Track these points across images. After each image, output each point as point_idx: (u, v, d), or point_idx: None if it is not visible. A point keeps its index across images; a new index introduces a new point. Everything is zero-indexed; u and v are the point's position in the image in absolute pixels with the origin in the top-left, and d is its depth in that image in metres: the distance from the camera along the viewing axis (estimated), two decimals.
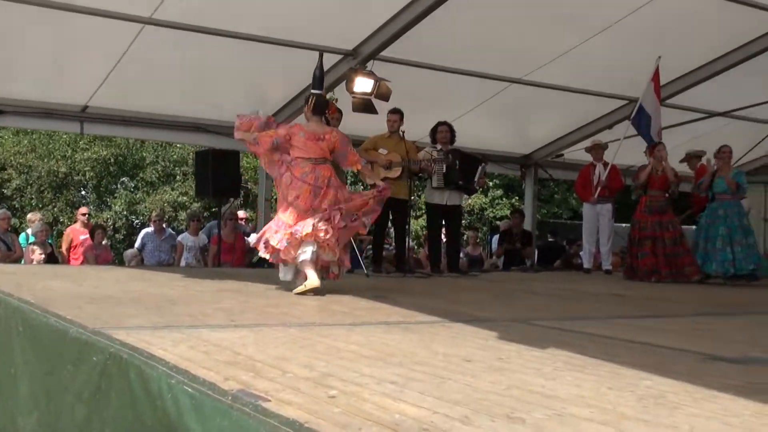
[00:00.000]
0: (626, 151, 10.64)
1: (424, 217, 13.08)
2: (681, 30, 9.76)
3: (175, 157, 23.93)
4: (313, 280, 5.57)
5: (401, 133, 8.95)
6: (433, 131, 9.41)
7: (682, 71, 10.94)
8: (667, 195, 9.54)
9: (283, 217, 5.81)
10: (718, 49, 10.48)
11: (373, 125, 9.43)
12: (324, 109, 6.35)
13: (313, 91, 6.64)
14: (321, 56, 6.34)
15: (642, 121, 10.02)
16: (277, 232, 5.73)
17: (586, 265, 10.88)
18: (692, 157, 10.31)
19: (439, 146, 9.30)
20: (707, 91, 11.17)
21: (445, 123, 9.41)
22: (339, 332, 3.71)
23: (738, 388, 2.63)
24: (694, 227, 10.30)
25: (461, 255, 11.64)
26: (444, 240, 10.48)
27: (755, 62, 10.42)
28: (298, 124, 6.21)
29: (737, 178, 9.26)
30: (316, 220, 5.63)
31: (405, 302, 5.35)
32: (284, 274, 5.96)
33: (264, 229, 5.96)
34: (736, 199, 9.31)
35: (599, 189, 10.34)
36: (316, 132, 6.01)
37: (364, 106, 9.47)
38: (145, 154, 23.96)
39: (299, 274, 5.82)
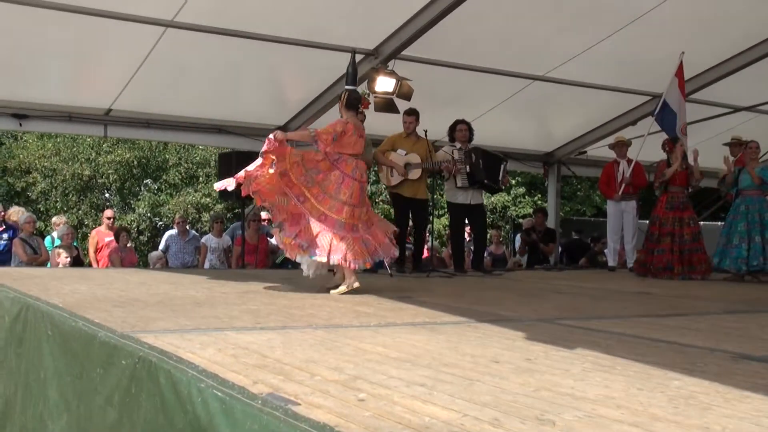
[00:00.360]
0: (650, 147, 10.55)
1: (446, 216, 13.05)
2: (704, 24, 9.68)
3: (197, 158, 24.04)
4: (356, 282, 5.77)
5: (424, 132, 8.92)
6: (452, 129, 9.38)
7: (706, 66, 10.85)
8: (687, 191, 9.49)
9: (341, 218, 5.78)
10: (743, 43, 10.37)
11: (393, 125, 9.44)
12: (358, 104, 6.35)
13: (346, 87, 6.65)
14: (353, 54, 6.43)
15: (666, 117, 9.95)
16: (343, 238, 5.73)
17: (611, 263, 10.81)
18: (735, 145, 10.16)
19: (458, 145, 9.28)
20: (732, 85, 11.07)
21: (463, 121, 9.38)
22: (365, 334, 3.72)
23: None
24: (720, 223, 10.23)
25: (485, 254, 11.61)
26: (469, 239, 10.46)
27: None
28: (344, 120, 6.14)
29: (763, 174, 9.17)
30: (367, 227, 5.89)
31: (430, 302, 5.35)
32: (307, 268, 5.98)
33: (318, 229, 5.75)
34: (760, 194, 9.22)
35: (623, 186, 10.28)
36: (359, 127, 6.07)
37: (387, 105, 9.48)
38: (168, 156, 24.08)
39: (318, 269, 5.91)
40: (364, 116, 8.37)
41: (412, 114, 9.06)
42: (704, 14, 9.38)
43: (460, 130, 9.32)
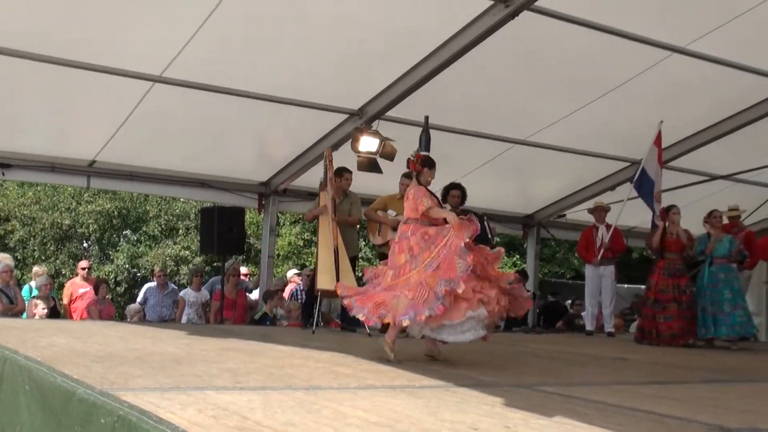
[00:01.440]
0: (629, 213, 10.70)
1: None
2: (683, 94, 9.91)
3: (177, 211, 24.00)
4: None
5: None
6: (445, 192, 9.45)
7: (684, 134, 11.07)
8: (684, 257, 9.57)
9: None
10: (720, 113, 10.60)
11: (383, 184, 9.53)
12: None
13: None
14: (426, 120, 6.45)
15: (644, 184, 10.10)
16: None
17: (588, 327, 10.85)
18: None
19: (449, 207, 9.34)
20: (710, 154, 11.30)
21: (458, 186, 9.44)
22: (345, 396, 3.72)
23: None
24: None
25: None
26: None
27: (757, 126, 10.55)
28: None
29: (732, 245, 9.35)
30: None
31: (408, 364, 5.35)
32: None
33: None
34: (730, 263, 9.38)
35: (602, 251, 10.37)
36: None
37: (370, 165, 9.57)
38: (148, 208, 24.03)
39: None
40: (349, 182, 8.67)
41: (409, 177, 9.10)
42: (682, 84, 9.60)
43: (454, 195, 9.36)
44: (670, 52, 8.88)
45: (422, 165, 5.97)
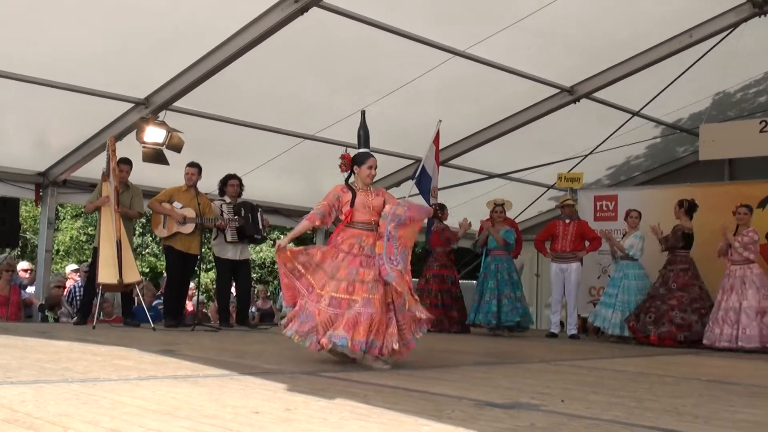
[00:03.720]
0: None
1: (214, 270, 12.94)
2: (463, 95, 10.45)
3: None
4: None
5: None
6: (223, 183, 9.39)
7: (464, 134, 11.64)
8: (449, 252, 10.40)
9: None
10: (496, 114, 11.26)
11: (167, 177, 9.33)
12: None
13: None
14: (363, 115, 5.90)
15: (423, 181, 10.51)
16: None
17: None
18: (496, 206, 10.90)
19: (228, 199, 9.32)
20: (487, 153, 11.97)
21: (235, 176, 9.44)
22: (124, 387, 3.64)
23: (507, 431, 2.86)
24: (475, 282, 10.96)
25: (252, 309, 11.63)
26: (234, 294, 10.42)
27: (530, 128, 11.30)
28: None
29: (506, 236, 10.01)
30: None
31: (193, 356, 5.30)
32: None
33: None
34: (507, 254, 10.06)
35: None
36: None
37: (156, 156, 9.34)
38: None
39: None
40: (128, 173, 8.43)
41: (195, 166, 8.99)
42: (462, 86, 10.12)
43: (232, 185, 9.35)
44: (451, 54, 9.33)
45: (352, 165, 5.54)
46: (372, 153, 5.66)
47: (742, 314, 8.62)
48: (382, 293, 5.09)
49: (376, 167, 5.56)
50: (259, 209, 9.62)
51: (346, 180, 5.58)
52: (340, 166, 5.63)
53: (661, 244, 9.44)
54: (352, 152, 5.69)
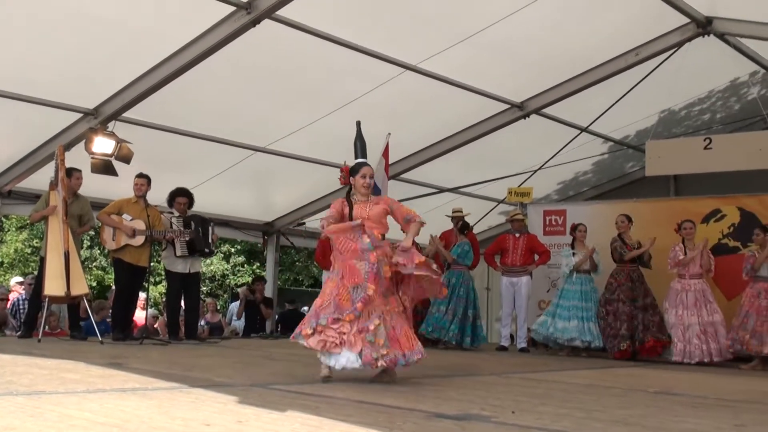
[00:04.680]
0: None
1: (163, 284, 12.82)
2: (415, 110, 10.52)
3: None
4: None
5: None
6: (172, 197, 9.32)
7: (416, 148, 11.70)
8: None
9: None
10: (447, 129, 11.35)
11: (116, 188, 9.21)
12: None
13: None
14: (359, 125, 5.84)
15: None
16: None
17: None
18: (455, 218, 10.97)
19: (177, 213, 9.25)
20: (438, 167, 12.05)
21: (184, 194, 9.36)
22: (71, 400, 3.58)
23: None
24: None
25: (202, 323, 11.53)
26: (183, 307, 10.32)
27: (481, 143, 11.41)
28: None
29: (459, 254, 10.09)
30: None
31: (142, 369, 5.23)
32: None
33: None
34: (466, 269, 10.13)
35: None
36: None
37: (104, 167, 9.24)
38: None
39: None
40: (79, 183, 8.27)
41: (144, 177, 8.90)
42: (414, 101, 10.21)
43: (179, 203, 9.29)
44: (403, 69, 9.38)
45: (350, 177, 5.52)
46: (367, 162, 5.64)
47: (716, 328, 8.94)
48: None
49: (371, 176, 5.54)
50: (211, 223, 9.55)
51: (347, 193, 5.57)
52: (340, 179, 5.67)
53: (643, 257, 9.63)
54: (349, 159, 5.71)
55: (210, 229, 9.42)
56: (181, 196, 9.29)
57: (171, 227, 9.02)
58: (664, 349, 9.34)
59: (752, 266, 8.76)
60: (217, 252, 11.91)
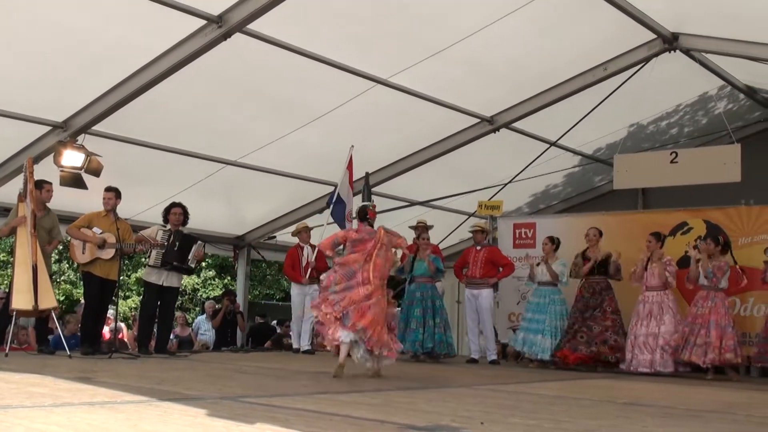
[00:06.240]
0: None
1: (134, 298, 12.73)
2: (386, 123, 10.57)
3: None
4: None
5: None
6: (167, 211, 9.33)
7: (387, 161, 11.73)
8: None
9: None
10: (418, 143, 11.40)
11: (85, 201, 9.15)
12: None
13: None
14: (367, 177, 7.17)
15: (337, 208, 10.54)
16: None
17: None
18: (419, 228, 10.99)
19: (168, 226, 9.24)
20: (409, 181, 12.09)
21: (179, 205, 9.36)
22: (38, 414, 3.55)
23: None
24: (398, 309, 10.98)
25: (171, 336, 11.44)
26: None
27: (450, 156, 11.48)
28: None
29: (436, 262, 10.09)
30: None
31: (111, 383, 5.20)
32: None
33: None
34: (431, 281, 10.13)
35: (310, 270, 10.67)
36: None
37: (74, 180, 9.17)
38: None
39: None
40: (50, 195, 8.22)
41: (112, 190, 8.84)
42: (385, 115, 10.26)
43: (175, 213, 9.30)
44: (373, 83, 9.43)
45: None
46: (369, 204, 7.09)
47: (660, 339, 8.97)
48: None
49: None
50: (197, 241, 9.51)
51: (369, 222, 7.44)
52: (371, 213, 7.52)
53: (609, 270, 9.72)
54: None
55: (194, 247, 9.37)
56: (176, 207, 9.33)
57: (156, 236, 9.04)
58: (587, 363, 9.47)
59: (688, 276, 9.07)
60: (194, 271, 11.85)
